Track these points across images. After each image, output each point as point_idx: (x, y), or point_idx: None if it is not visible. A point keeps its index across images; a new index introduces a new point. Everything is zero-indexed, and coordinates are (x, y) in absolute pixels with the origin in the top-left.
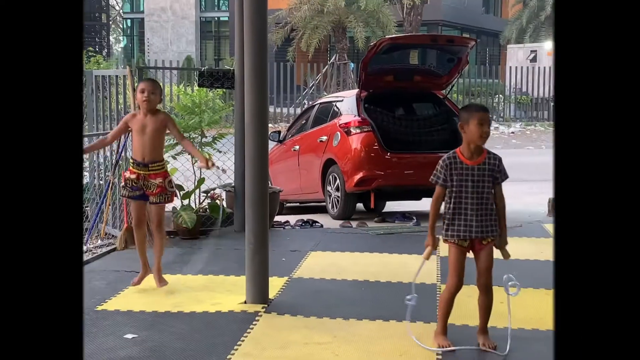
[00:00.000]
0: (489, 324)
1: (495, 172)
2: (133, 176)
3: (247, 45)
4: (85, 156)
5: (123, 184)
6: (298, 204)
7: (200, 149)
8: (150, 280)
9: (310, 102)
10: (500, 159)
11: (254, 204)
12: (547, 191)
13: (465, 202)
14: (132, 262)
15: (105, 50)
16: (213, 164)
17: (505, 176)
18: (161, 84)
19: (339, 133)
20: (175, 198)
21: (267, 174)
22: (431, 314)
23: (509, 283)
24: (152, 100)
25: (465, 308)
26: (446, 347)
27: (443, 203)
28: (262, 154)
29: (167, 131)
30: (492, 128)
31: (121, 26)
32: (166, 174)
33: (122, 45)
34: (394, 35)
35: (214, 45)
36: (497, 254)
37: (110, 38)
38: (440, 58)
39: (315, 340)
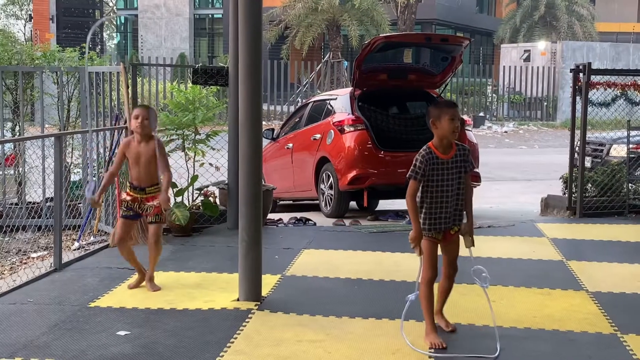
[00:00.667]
0: (480, 323)
1: (465, 162)
2: (129, 198)
3: (242, 43)
4: (78, 153)
5: (119, 203)
6: (291, 202)
7: (194, 146)
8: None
9: (303, 100)
10: (469, 150)
11: (248, 201)
12: (539, 190)
13: (443, 195)
14: (123, 259)
15: (99, 46)
16: (166, 209)
17: (472, 166)
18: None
19: (332, 131)
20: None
21: (261, 172)
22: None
23: (482, 275)
24: (146, 126)
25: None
26: (438, 345)
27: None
28: (257, 152)
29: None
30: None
31: (115, 23)
32: None
33: (115, 41)
34: (388, 34)
35: (208, 42)
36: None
37: (104, 34)
38: (435, 57)
39: (308, 337)
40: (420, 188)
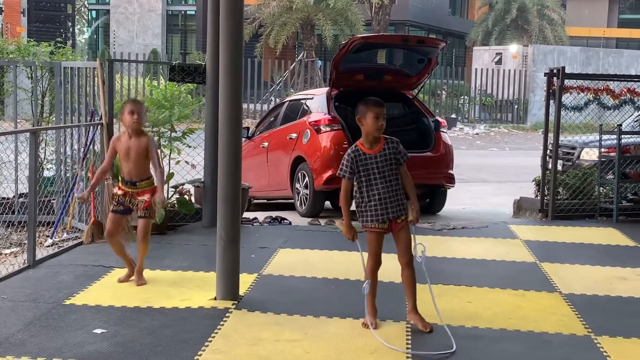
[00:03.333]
0: (457, 324)
1: (396, 154)
2: (120, 192)
3: (223, 42)
4: (52, 149)
5: (110, 198)
6: (265, 201)
7: (169, 144)
8: (118, 274)
9: (277, 99)
10: (398, 141)
11: (227, 200)
12: (510, 192)
13: (375, 188)
14: (99, 256)
15: (70, 41)
16: (160, 207)
17: (406, 156)
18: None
19: (308, 131)
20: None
21: (240, 171)
22: (399, 312)
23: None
24: (141, 122)
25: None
26: (369, 326)
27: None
28: (236, 151)
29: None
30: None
31: (86, 17)
32: (154, 190)
33: (86, 36)
34: (365, 35)
35: (180, 39)
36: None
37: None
38: (411, 58)
39: (286, 337)
40: (356, 184)
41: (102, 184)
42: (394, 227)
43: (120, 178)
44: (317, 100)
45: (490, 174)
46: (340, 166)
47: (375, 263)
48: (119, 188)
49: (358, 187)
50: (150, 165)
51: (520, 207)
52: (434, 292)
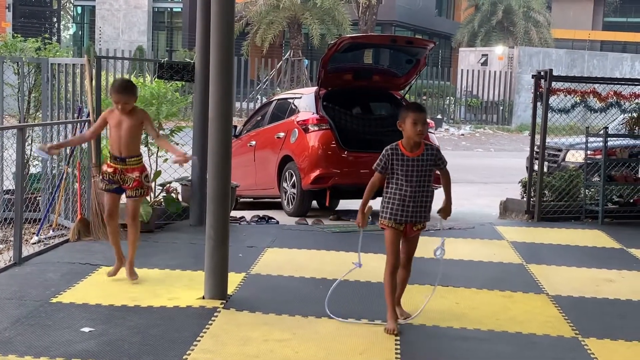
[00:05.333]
0: (446, 324)
1: (436, 160)
2: (110, 170)
3: (214, 40)
4: (38, 145)
5: (100, 177)
6: (251, 200)
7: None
8: (105, 272)
9: (264, 98)
10: (438, 149)
11: (217, 199)
12: (496, 193)
13: (402, 189)
14: (86, 254)
15: (55, 37)
16: (188, 159)
17: (445, 162)
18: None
19: (296, 130)
20: (150, 192)
21: (229, 169)
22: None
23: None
24: (127, 107)
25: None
26: (391, 331)
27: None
28: (226, 150)
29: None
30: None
31: (71, 13)
32: (143, 168)
33: (71, 32)
34: (354, 35)
35: (167, 36)
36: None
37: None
38: (399, 59)
39: (275, 337)
40: (386, 180)
41: (88, 181)
42: (409, 231)
43: (109, 154)
44: (305, 100)
45: (476, 175)
46: (377, 159)
47: (392, 266)
48: (108, 165)
49: (387, 184)
50: (151, 139)
51: (507, 209)
52: (423, 292)
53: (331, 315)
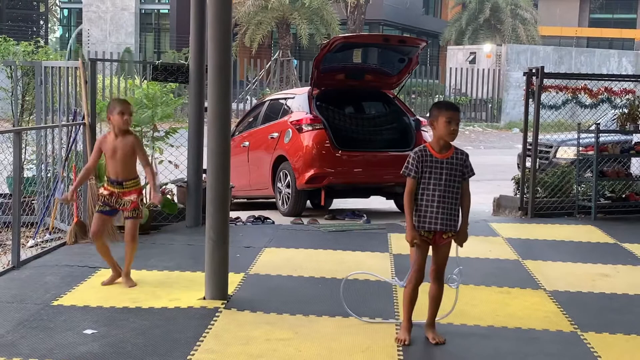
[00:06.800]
0: (445, 321)
1: (464, 167)
2: (106, 193)
3: (212, 41)
4: (32, 149)
5: (95, 198)
6: (245, 200)
7: (152, 143)
8: (104, 275)
9: (253, 98)
10: (467, 155)
11: (216, 200)
12: (488, 191)
13: (433, 194)
14: (83, 256)
15: (43, 39)
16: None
17: (472, 172)
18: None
19: (290, 130)
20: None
21: (229, 170)
22: (388, 311)
23: (455, 273)
24: (130, 122)
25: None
26: (402, 341)
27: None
28: (225, 151)
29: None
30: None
31: (57, 15)
32: (140, 190)
33: (57, 34)
34: (347, 34)
35: (154, 37)
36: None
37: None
38: (392, 58)
39: (277, 336)
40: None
41: (84, 184)
42: (438, 240)
43: (105, 178)
44: (298, 100)
45: None
46: (405, 164)
47: (420, 276)
48: (105, 188)
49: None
50: (139, 165)
51: (500, 205)
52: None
53: (351, 313)
